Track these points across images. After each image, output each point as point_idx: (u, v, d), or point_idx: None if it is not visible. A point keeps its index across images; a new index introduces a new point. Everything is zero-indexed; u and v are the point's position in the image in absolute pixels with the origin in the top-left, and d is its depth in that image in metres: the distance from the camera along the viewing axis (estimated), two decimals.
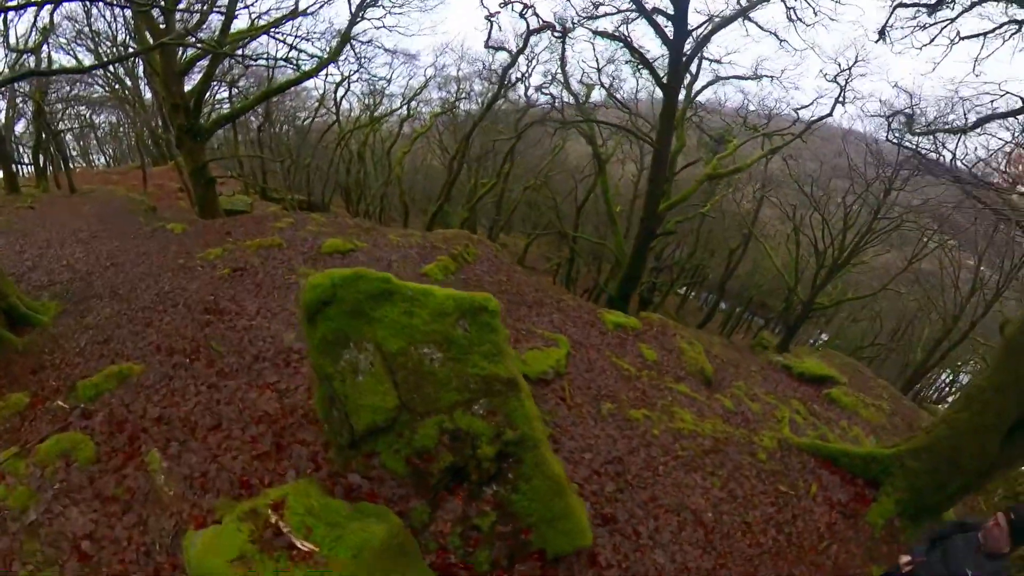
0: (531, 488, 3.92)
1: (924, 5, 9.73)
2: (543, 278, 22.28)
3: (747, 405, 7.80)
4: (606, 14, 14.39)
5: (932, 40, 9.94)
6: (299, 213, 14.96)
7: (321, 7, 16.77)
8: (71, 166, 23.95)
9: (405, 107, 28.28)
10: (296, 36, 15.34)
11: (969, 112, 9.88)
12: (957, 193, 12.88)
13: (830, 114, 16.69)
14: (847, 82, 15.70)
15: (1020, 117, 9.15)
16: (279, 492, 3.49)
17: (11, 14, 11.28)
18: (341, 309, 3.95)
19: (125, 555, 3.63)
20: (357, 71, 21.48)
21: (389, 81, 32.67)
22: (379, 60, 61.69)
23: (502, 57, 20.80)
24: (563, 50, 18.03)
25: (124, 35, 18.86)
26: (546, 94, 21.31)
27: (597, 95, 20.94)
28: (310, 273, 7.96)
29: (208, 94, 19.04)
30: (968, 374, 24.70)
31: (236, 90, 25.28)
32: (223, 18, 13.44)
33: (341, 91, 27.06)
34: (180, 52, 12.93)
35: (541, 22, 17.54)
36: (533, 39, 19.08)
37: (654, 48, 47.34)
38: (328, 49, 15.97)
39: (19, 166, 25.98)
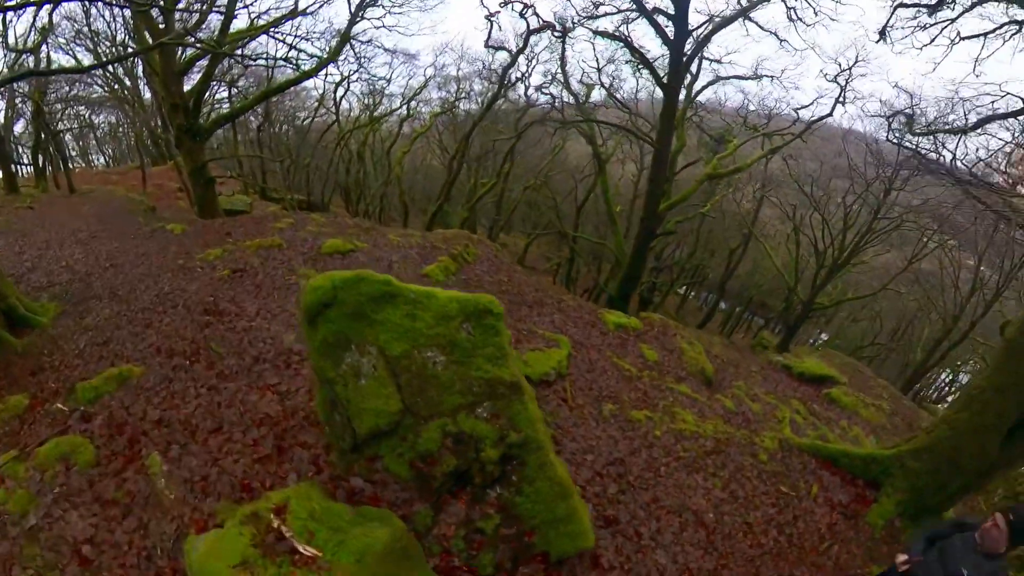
0: (535, 491, 3.92)
1: (924, 5, 9.73)
2: (543, 278, 22.26)
3: (748, 405, 7.80)
4: (606, 14, 14.39)
5: (932, 40, 9.96)
6: (299, 213, 14.94)
7: (321, 7, 16.81)
8: (70, 166, 23.97)
9: (405, 107, 28.30)
10: (295, 36, 15.39)
11: (969, 112, 9.91)
12: (957, 193, 12.90)
13: (830, 114, 16.70)
14: (847, 82, 15.72)
15: (1020, 118, 9.16)
16: (281, 496, 3.48)
17: (10, 14, 11.26)
18: (342, 311, 3.93)
19: (126, 559, 3.61)
20: (357, 71, 21.54)
21: (389, 81, 32.60)
22: (379, 60, 61.61)
23: (502, 57, 20.80)
24: (563, 50, 18.03)
25: (123, 35, 18.83)
26: (546, 94, 21.32)
27: (597, 95, 20.94)
28: (310, 274, 7.95)
29: (207, 94, 18.95)
30: (968, 374, 24.74)
31: (235, 90, 25.28)
32: (222, 18, 13.40)
33: (341, 91, 27.09)
34: (179, 52, 12.90)
35: (541, 22, 17.52)
36: (533, 39, 19.08)
37: (654, 48, 47.45)
38: (328, 49, 15.95)
39: (18, 166, 25.91)
